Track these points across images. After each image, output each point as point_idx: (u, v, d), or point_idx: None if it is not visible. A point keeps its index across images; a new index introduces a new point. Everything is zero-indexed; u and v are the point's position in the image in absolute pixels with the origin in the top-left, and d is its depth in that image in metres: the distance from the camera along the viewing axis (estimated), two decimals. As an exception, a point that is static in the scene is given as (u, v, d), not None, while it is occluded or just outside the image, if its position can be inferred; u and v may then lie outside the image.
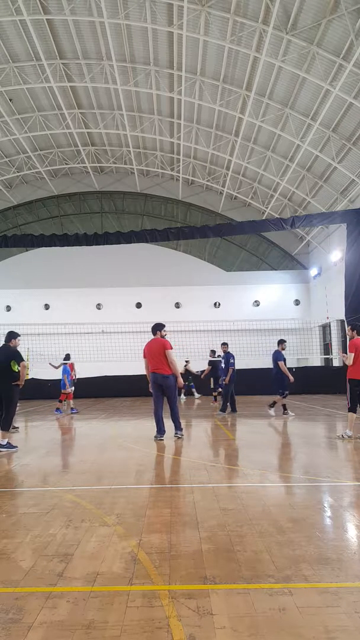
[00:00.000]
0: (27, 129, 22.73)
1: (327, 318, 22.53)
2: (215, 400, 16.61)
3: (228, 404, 12.60)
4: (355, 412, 7.87)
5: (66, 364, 14.37)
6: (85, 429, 10.67)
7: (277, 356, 12.07)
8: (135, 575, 2.68)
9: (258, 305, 27.65)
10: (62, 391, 14.03)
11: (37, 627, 2.15)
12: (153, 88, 19.74)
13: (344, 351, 20.46)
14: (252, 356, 19.91)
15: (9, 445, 7.14)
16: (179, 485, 4.78)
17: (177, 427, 8.14)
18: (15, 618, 2.24)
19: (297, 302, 27.75)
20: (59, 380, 19.88)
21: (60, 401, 13.98)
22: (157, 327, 8.45)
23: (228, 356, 12.53)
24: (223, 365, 12.63)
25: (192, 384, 19.89)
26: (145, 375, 8.31)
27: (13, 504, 4.26)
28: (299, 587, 2.50)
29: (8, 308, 27.56)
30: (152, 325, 8.55)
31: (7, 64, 18.52)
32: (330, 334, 24.16)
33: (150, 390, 8.18)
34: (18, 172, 26.63)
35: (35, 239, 19.93)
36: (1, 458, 6.61)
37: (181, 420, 10.87)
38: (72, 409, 14.22)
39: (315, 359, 23.97)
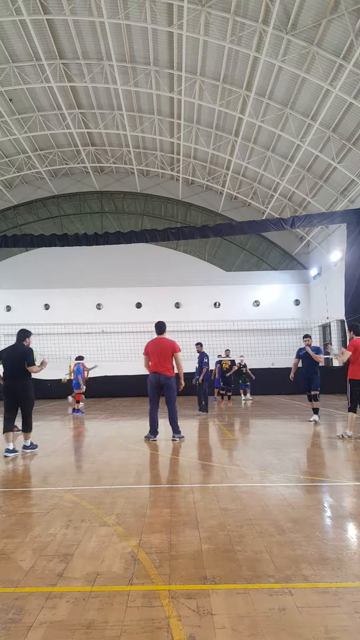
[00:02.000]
0: (27, 129, 22.75)
1: (327, 318, 22.54)
2: (229, 399, 16.57)
3: (203, 403, 12.60)
4: (355, 412, 7.88)
5: (80, 363, 14.42)
6: (85, 429, 10.67)
7: None
8: (135, 575, 2.68)
9: (258, 305, 27.67)
10: (76, 391, 14.05)
11: (37, 627, 2.15)
12: (153, 88, 19.75)
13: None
14: (252, 356, 19.92)
15: (32, 446, 6.98)
16: (179, 485, 4.78)
17: (176, 430, 7.90)
18: (15, 618, 2.24)
19: (297, 302, 27.77)
20: (58, 380, 19.94)
21: (78, 401, 13.99)
22: (164, 326, 8.11)
23: (202, 356, 12.45)
24: (197, 365, 12.48)
25: (248, 382, 18.51)
26: (147, 374, 8.10)
27: (13, 504, 4.26)
28: (299, 587, 2.50)
29: (8, 308, 27.58)
30: (157, 323, 8.13)
31: (7, 64, 18.54)
32: (330, 334, 24.17)
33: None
34: (18, 172, 26.65)
35: (35, 239, 19.92)
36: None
37: (185, 421, 10.86)
38: (77, 410, 14.16)
39: (315, 359, 23.96)
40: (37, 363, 7.00)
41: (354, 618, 2.18)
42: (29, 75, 19.38)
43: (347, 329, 8.60)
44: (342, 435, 7.73)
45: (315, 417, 10.07)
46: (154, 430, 7.93)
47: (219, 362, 17.11)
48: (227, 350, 17.57)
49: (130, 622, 2.18)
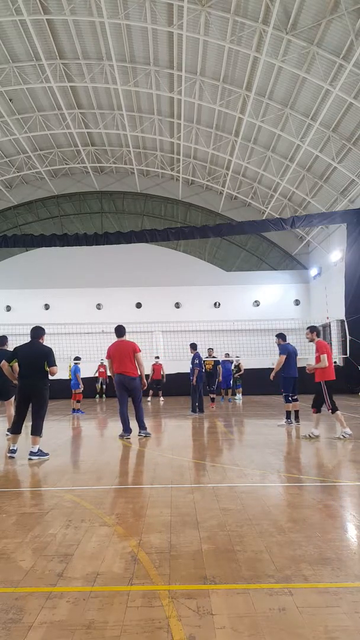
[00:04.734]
0: (27, 129, 22.74)
1: (327, 318, 22.54)
2: (213, 401, 15.59)
3: (196, 404, 12.54)
4: (338, 410, 7.92)
5: (77, 364, 14.39)
6: (85, 429, 10.68)
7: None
8: (135, 575, 2.68)
9: (258, 305, 27.66)
10: (74, 391, 14.00)
11: (37, 627, 2.15)
12: (153, 88, 19.75)
13: (344, 352, 20.12)
14: (253, 356, 19.90)
15: (40, 453, 6.51)
16: (179, 485, 4.78)
17: (142, 427, 8.35)
18: (15, 618, 2.24)
19: (297, 302, 27.76)
20: (59, 380, 19.87)
21: (79, 401, 13.96)
22: (124, 330, 8.68)
23: (194, 357, 12.45)
24: (191, 366, 12.49)
25: (238, 384, 18.56)
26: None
27: (13, 504, 4.26)
28: (299, 587, 2.50)
29: (8, 308, 27.57)
30: (117, 327, 8.68)
31: (7, 64, 18.53)
32: (330, 334, 24.15)
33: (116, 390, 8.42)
34: (18, 172, 26.65)
35: (35, 239, 19.94)
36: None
37: (185, 420, 10.88)
38: (77, 410, 14.15)
39: (315, 359, 23.97)
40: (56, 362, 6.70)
41: (354, 618, 2.18)
42: (29, 75, 19.38)
43: (308, 330, 8.39)
44: (343, 436, 7.72)
45: (282, 422, 9.75)
46: (127, 429, 8.27)
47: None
48: (210, 349, 16.49)
49: (130, 622, 2.18)
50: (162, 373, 19.37)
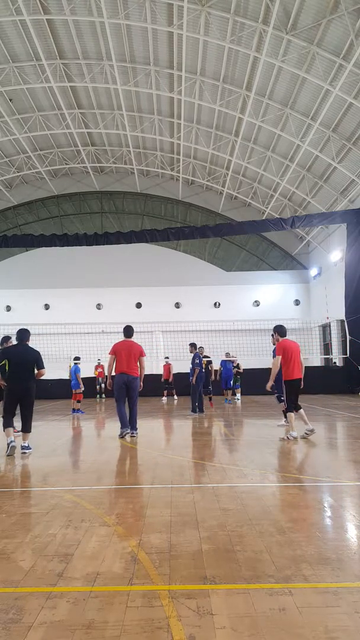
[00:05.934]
0: (27, 129, 22.75)
1: (327, 318, 22.55)
2: (210, 401, 15.25)
3: (196, 404, 12.50)
4: (293, 411, 7.89)
5: (77, 364, 14.34)
6: (85, 429, 10.68)
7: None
8: (135, 575, 2.68)
9: (258, 305, 27.67)
10: (75, 391, 13.95)
11: (37, 627, 2.15)
12: (153, 88, 19.75)
13: (344, 352, 20.03)
14: (253, 356, 19.90)
15: (28, 447, 6.96)
16: (179, 485, 4.77)
17: (134, 427, 8.53)
18: (15, 618, 2.24)
19: (297, 302, 27.78)
20: (59, 380, 19.90)
21: (79, 401, 13.94)
22: (133, 330, 8.70)
23: (194, 357, 12.42)
24: (191, 365, 12.47)
25: (237, 384, 18.32)
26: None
27: (13, 504, 4.26)
28: (299, 587, 2.50)
29: (8, 308, 27.59)
30: (126, 327, 8.73)
31: (7, 64, 18.54)
32: (330, 334, 24.18)
33: (111, 388, 8.52)
34: (18, 172, 26.67)
35: (35, 239, 19.95)
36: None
37: (186, 421, 10.89)
38: (77, 410, 14.13)
39: (315, 359, 23.98)
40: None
41: (354, 618, 2.18)
42: (29, 75, 19.38)
43: (274, 333, 8.24)
44: (287, 437, 7.67)
45: (282, 422, 9.50)
46: (125, 424, 8.35)
47: None
48: (201, 348, 15.36)
49: (130, 622, 2.18)
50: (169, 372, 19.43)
